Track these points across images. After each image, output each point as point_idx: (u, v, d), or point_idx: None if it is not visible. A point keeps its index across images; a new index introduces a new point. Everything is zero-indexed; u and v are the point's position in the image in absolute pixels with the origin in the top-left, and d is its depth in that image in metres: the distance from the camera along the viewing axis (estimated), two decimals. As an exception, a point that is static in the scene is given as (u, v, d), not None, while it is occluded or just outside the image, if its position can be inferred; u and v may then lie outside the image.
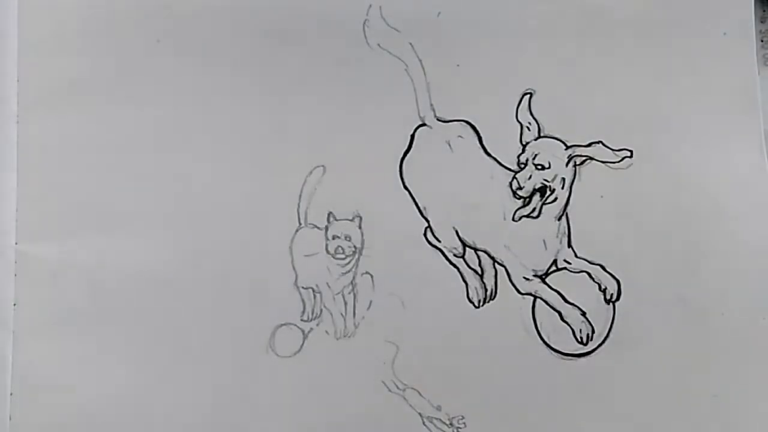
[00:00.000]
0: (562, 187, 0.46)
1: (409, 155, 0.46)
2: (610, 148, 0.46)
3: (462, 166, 0.46)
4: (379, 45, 0.47)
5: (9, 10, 0.46)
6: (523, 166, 0.46)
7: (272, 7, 0.47)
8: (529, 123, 0.46)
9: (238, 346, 0.45)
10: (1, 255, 0.45)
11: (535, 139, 0.46)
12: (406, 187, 0.46)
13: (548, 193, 0.46)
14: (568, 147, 0.46)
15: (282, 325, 0.45)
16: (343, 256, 0.46)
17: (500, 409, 0.45)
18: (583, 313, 0.46)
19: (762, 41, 0.48)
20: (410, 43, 0.47)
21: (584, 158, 0.46)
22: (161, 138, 0.46)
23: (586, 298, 0.46)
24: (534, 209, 0.46)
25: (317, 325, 0.45)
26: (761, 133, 0.47)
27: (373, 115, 0.46)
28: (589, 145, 0.47)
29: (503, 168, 0.46)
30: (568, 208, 0.46)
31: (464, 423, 0.45)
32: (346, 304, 0.45)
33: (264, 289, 0.45)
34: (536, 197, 0.46)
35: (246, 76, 0.46)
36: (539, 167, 0.46)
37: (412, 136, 0.46)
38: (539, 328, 0.45)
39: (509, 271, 0.46)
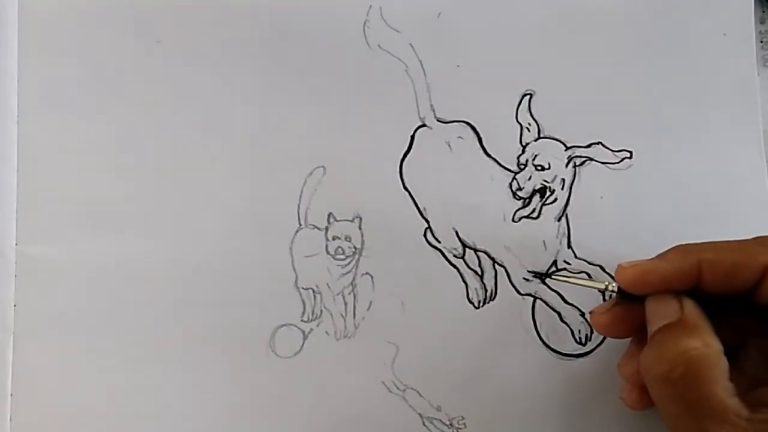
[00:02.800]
0: (562, 188, 0.46)
1: (409, 156, 0.46)
2: (610, 149, 0.46)
3: (462, 167, 0.46)
4: (379, 46, 0.47)
5: (9, 11, 0.45)
6: (522, 167, 0.46)
7: (272, 7, 0.46)
8: (529, 124, 0.46)
9: (238, 347, 0.45)
10: (1, 255, 0.45)
11: (535, 140, 0.46)
12: (406, 188, 0.46)
13: (548, 194, 0.46)
14: (567, 148, 0.46)
15: (282, 325, 0.45)
16: (343, 256, 0.46)
17: (500, 409, 0.45)
18: (582, 314, 0.46)
19: (762, 42, 0.48)
20: (410, 44, 0.47)
21: (584, 159, 0.46)
22: (161, 138, 0.46)
23: (586, 298, 0.46)
24: (534, 210, 0.46)
25: (317, 325, 0.45)
26: (761, 133, 0.47)
27: (373, 115, 0.46)
28: (589, 145, 0.47)
29: (503, 169, 0.46)
30: (568, 209, 0.46)
31: (464, 423, 0.45)
32: (346, 304, 0.45)
33: (264, 289, 0.45)
34: (536, 198, 0.46)
35: (246, 76, 0.46)
36: (539, 168, 0.46)
37: (412, 137, 0.46)
38: (539, 329, 0.46)
39: (509, 271, 0.46)
